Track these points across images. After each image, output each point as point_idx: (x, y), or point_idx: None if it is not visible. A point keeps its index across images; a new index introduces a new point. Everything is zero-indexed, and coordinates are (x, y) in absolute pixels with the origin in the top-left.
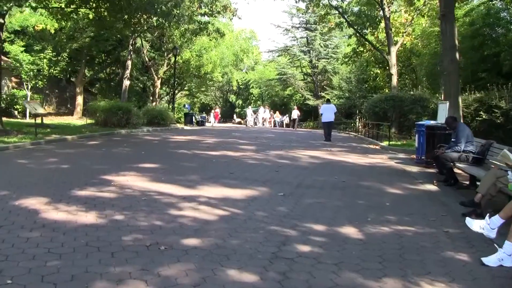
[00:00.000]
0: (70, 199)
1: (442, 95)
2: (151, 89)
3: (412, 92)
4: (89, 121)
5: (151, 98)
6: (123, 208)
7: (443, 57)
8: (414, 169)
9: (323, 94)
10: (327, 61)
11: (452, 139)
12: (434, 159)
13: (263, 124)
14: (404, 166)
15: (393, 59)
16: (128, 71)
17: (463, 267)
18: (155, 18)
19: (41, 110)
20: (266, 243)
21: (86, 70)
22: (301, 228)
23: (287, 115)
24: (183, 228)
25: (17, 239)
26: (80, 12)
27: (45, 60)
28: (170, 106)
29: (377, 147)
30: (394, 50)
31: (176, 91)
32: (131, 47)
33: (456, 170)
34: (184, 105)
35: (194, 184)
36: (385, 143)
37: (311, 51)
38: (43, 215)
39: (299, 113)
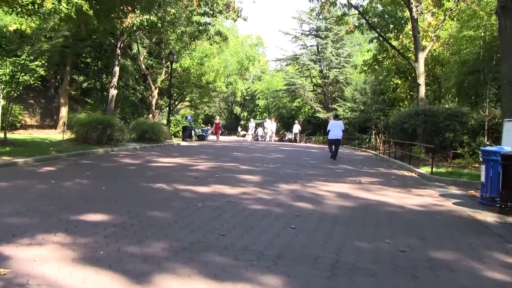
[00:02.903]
0: None
1: (487, 110)
2: (150, 99)
3: (447, 106)
4: (70, 136)
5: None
6: None
7: (503, 62)
8: (489, 217)
9: (334, 106)
10: (339, 71)
11: None
12: None
13: (270, 140)
14: (471, 211)
15: (421, 67)
16: (115, 79)
17: None
18: (138, 13)
19: None
20: None
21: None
22: None
23: (290, 130)
24: None
25: None
26: (44, 7)
27: (8, 64)
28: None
29: (413, 174)
30: (422, 56)
31: (177, 102)
32: (119, 51)
33: None
34: (186, 117)
35: (152, 269)
36: (423, 170)
37: (322, 60)
38: None
39: (300, 127)
